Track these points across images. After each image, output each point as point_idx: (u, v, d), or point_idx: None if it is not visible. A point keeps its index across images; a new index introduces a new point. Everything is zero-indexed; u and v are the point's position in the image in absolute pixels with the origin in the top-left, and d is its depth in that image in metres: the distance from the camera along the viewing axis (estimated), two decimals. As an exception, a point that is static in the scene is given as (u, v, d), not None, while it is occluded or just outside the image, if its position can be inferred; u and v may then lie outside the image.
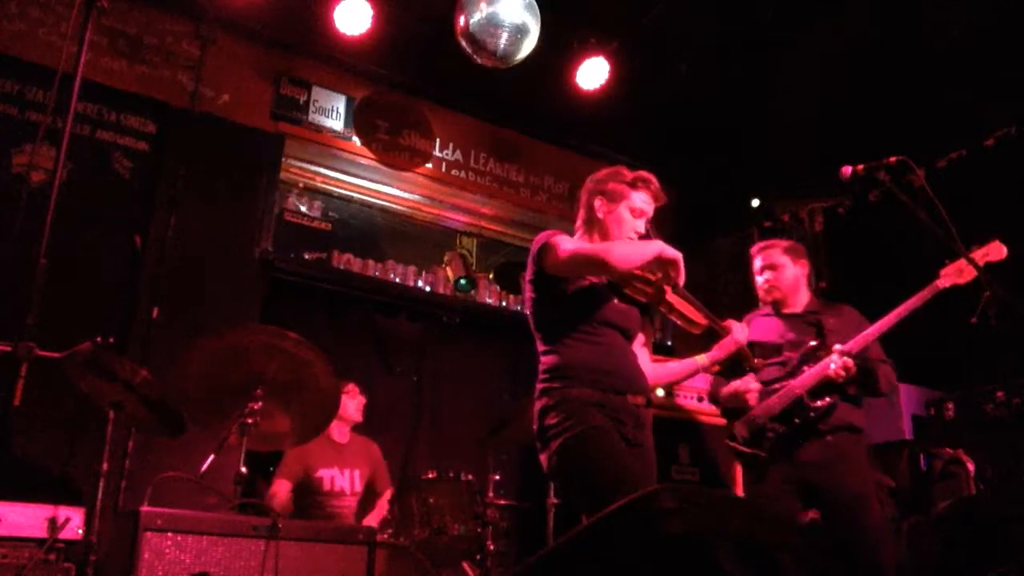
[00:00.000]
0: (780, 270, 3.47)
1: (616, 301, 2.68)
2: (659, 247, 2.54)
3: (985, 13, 4.32)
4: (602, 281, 2.68)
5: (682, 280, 2.54)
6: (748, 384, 3.29)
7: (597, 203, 2.77)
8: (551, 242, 2.58)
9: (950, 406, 4.26)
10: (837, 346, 3.19)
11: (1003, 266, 3.09)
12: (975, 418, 4.11)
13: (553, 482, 2.62)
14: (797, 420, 3.21)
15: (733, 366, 3.12)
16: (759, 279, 3.54)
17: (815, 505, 3.20)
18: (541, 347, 2.65)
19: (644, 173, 2.81)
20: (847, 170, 2.80)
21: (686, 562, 1.23)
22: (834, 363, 3.15)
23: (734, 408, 3.38)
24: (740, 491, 4.64)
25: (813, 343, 3.28)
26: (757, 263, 3.55)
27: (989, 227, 3.22)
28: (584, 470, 2.41)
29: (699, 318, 2.74)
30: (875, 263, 5.02)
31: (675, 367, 3.00)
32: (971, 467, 3.99)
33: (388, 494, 4.14)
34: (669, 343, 6.13)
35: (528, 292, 2.71)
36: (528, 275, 2.70)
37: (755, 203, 6.00)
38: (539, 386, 2.58)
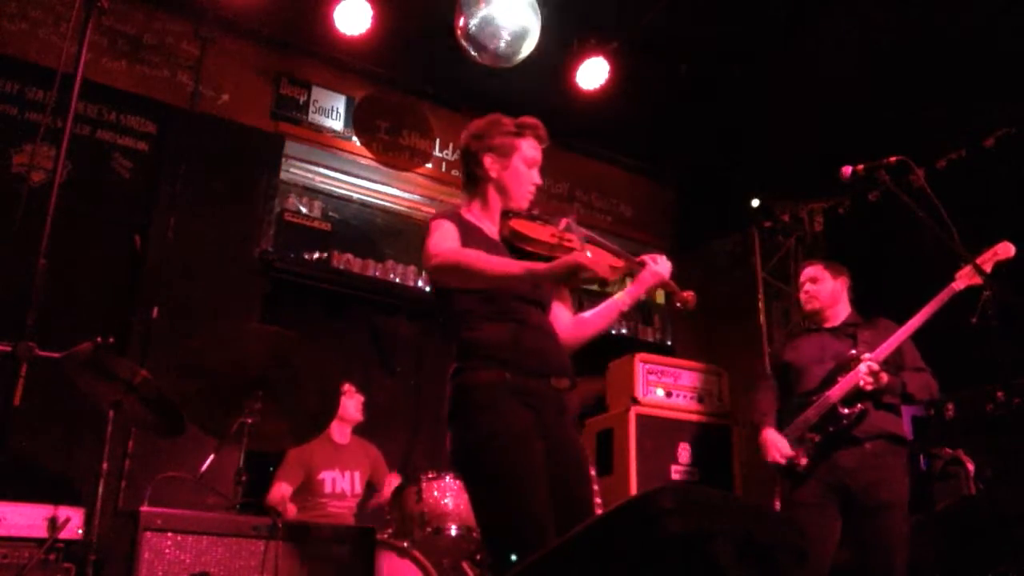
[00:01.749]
0: (819, 283, 3.64)
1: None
2: (546, 267, 2.16)
3: (985, 13, 4.32)
4: (502, 251, 2.38)
5: (606, 274, 2.20)
6: (783, 448, 3.37)
7: (487, 161, 2.43)
8: (428, 242, 2.30)
9: (950, 406, 4.26)
10: (865, 355, 3.29)
11: (1003, 266, 3.10)
12: (975, 418, 4.10)
13: (455, 469, 2.36)
14: (831, 428, 3.32)
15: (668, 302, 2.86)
16: (802, 291, 3.74)
17: (846, 509, 3.26)
18: (449, 327, 2.39)
19: (526, 118, 2.50)
20: (847, 170, 2.81)
21: (686, 562, 1.23)
22: (861, 371, 3.26)
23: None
24: (739, 491, 4.64)
25: (850, 353, 3.38)
26: (801, 278, 3.76)
27: (989, 227, 3.23)
28: (490, 477, 2.16)
29: (615, 262, 2.43)
30: (875, 263, 5.02)
31: (597, 311, 2.58)
32: (971, 467, 3.99)
33: (394, 479, 4.15)
34: (669, 343, 6.14)
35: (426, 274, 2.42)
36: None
37: (755, 203, 5.99)
38: (452, 369, 2.31)
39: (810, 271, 3.70)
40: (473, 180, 2.50)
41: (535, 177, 2.48)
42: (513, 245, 2.40)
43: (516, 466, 2.14)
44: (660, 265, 2.47)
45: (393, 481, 4.13)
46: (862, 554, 3.19)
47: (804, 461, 3.34)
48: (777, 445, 3.40)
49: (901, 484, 3.29)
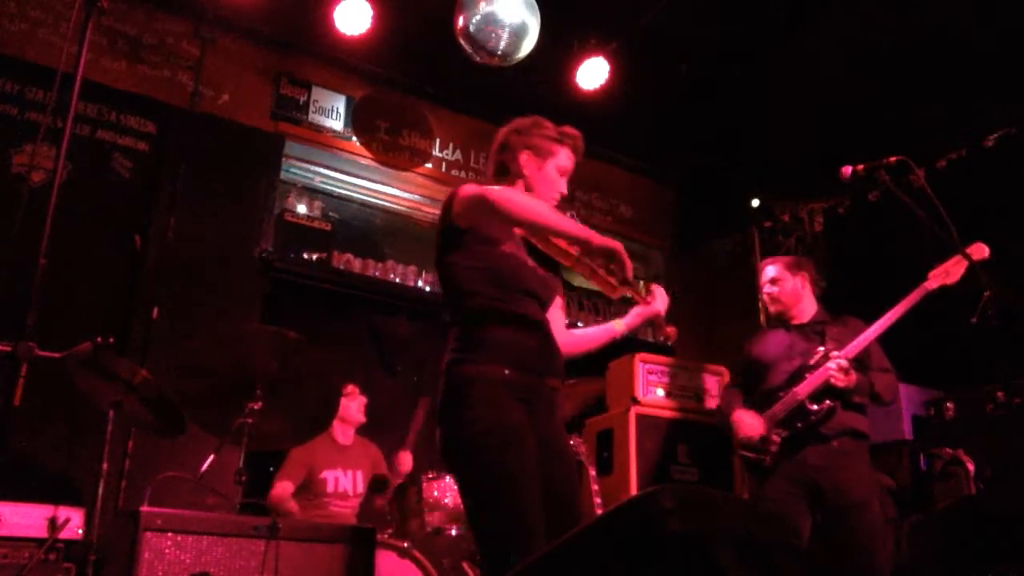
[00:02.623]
0: (779, 283, 3.62)
1: (535, 265, 2.43)
2: (586, 231, 2.17)
3: (985, 13, 4.32)
4: (518, 244, 2.43)
5: (630, 274, 2.20)
6: (755, 425, 3.40)
7: (523, 158, 2.47)
8: (460, 188, 2.31)
9: (950, 406, 4.26)
10: (834, 352, 3.28)
11: (1004, 266, 3.09)
12: (975, 418, 4.10)
13: (445, 463, 2.35)
14: (799, 424, 3.32)
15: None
16: (763, 293, 3.73)
17: (817, 507, 3.26)
18: (450, 316, 2.38)
19: (569, 128, 2.55)
20: (847, 170, 2.81)
21: (686, 562, 1.23)
22: (831, 368, 3.24)
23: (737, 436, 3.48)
24: (739, 491, 4.64)
25: (818, 350, 3.37)
26: (762, 278, 3.74)
27: (989, 227, 3.23)
28: (484, 474, 2.15)
29: (616, 283, 2.42)
30: (875, 263, 5.02)
31: (591, 333, 2.65)
32: (971, 467, 4.00)
33: (406, 456, 4.13)
34: (669, 343, 6.13)
35: (436, 254, 2.43)
36: (438, 229, 2.43)
37: (755, 203, 6.00)
38: (446, 359, 2.31)
39: (770, 271, 3.66)
40: (504, 172, 2.52)
41: (563, 186, 2.51)
42: (530, 241, 2.43)
43: (510, 464, 2.12)
44: (659, 301, 2.50)
45: (405, 459, 4.12)
46: (841, 555, 3.17)
47: (769, 460, 3.34)
48: (748, 421, 3.40)
49: (870, 480, 3.32)
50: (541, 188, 2.47)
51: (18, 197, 3.93)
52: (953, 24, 4.41)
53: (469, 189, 2.30)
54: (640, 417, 4.41)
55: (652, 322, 2.57)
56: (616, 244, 2.12)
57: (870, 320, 3.36)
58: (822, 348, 3.37)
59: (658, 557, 1.24)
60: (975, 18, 4.35)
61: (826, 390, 3.27)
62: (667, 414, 4.52)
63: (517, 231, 2.45)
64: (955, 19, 4.38)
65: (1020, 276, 3.09)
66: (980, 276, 2.74)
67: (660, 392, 4.57)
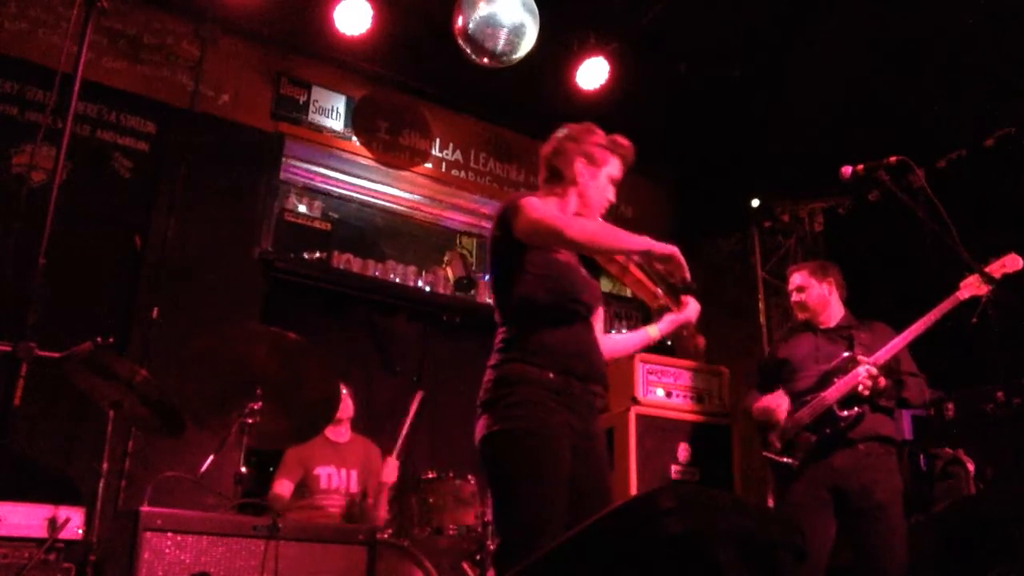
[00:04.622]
0: (806, 291, 3.63)
1: (583, 273, 2.50)
2: (648, 242, 2.29)
3: (985, 13, 4.32)
4: (571, 252, 2.50)
5: (687, 274, 2.33)
6: (779, 400, 3.42)
7: (578, 166, 2.53)
8: (525, 204, 2.35)
9: (950, 406, 4.26)
10: (863, 358, 3.29)
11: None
12: (975, 418, 4.10)
13: (481, 460, 2.42)
14: (828, 430, 3.32)
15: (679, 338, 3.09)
16: (791, 301, 3.75)
17: (842, 510, 3.27)
18: (500, 318, 2.44)
19: (620, 138, 2.61)
20: (847, 170, 2.81)
21: (686, 562, 1.23)
22: (860, 375, 3.25)
23: (767, 420, 3.48)
24: (739, 491, 4.64)
25: (844, 355, 3.38)
26: (789, 285, 3.76)
27: (989, 227, 3.23)
28: (515, 473, 2.21)
29: (659, 292, 2.59)
30: (875, 263, 5.02)
31: (627, 338, 2.76)
32: (971, 467, 4.00)
33: (391, 465, 4.11)
34: (669, 343, 6.13)
35: (491, 257, 2.48)
36: (491, 238, 2.47)
37: (755, 203, 6.00)
38: (495, 358, 2.37)
39: (796, 279, 3.69)
40: (557, 179, 2.57)
41: (611, 195, 2.59)
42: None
43: (542, 466, 2.18)
44: (690, 309, 2.60)
45: (391, 469, 4.08)
46: (861, 556, 3.20)
47: (796, 464, 3.33)
48: (776, 401, 3.41)
49: (895, 484, 3.30)
50: (593, 195, 2.54)
51: (18, 197, 3.93)
52: (953, 24, 4.41)
53: (536, 212, 2.35)
54: (640, 417, 4.41)
55: (683, 330, 2.67)
56: (674, 248, 2.27)
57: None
58: (847, 353, 3.37)
59: (658, 557, 1.24)
60: (975, 18, 4.34)
61: (854, 395, 3.27)
62: (667, 414, 4.52)
63: None
64: (955, 19, 4.38)
65: (1020, 277, 3.09)
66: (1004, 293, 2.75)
67: (660, 392, 4.57)
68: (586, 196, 2.53)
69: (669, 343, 6.08)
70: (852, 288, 3.70)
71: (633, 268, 2.51)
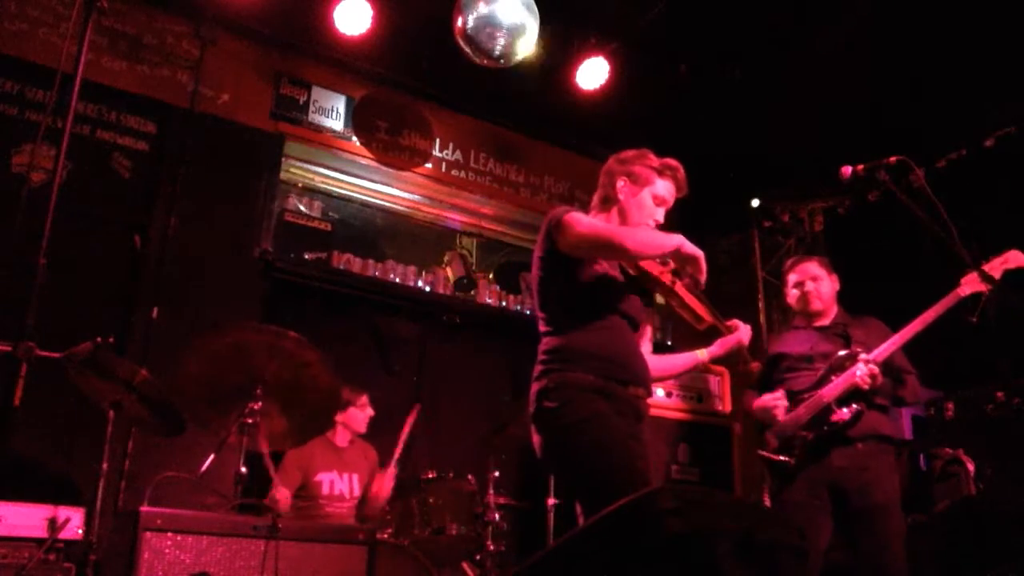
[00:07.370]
0: (819, 281, 3.58)
1: (627, 289, 2.60)
2: (679, 240, 2.41)
3: (985, 13, 4.32)
4: (615, 268, 2.61)
5: (704, 278, 2.43)
6: (777, 399, 3.40)
7: (620, 183, 2.65)
8: (567, 218, 2.45)
9: (950, 406, 4.26)
10: (863, 355, 3.26)
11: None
12: (975, 418, 4.11)
13: (549, 466, 2.54)
14: (826, 428, 3.29)
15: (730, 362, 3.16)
16: (796, 291, 3.63)
17: (840, 510, 3.25)
18: (544, 328, 2.55)
19: (672, 161, 2.72)
20: (847, 170, 2.81)
21: (686, 562, 1.23)
22: (859, 371, 3.22)
23: (766, 419, 3.46)
24: (739, 491, 4.65)
25: (841, 353, 3.35)
26: (793, 277, 3.65)
27: (989, 227, 3.22)
28: (587, 456, 2.33)
29: (705, 314, 2.66)
30: (875, 263, 5.02)
31: (676, 360, 2.90)
32: (971, 467, 4.00)
33: (386, 476, 4.09)
34: (669, 343, 6.13)
35: (536, 270, 2.57)
36: (538, 252, 2.56)
37: (755, 203, 6.00)
38: (539, 367, 2.48)
39: (810, 269, 3.60)
40: (606, 200, 2.70)
41: (659, 216, 2.67)
42: (625, 269, 2.62)
43: (609, 441, 2.32)
44: (743, 332, 2.74)
45: (386, 483, 4.07)
46: (860, 556, 3.18)
47: (793, 462, 3.32)
48: (774, 400, 3.39)
49: (892, 484, 3.27)
50: (634, 213, 2.64)
51: (18, 197, 3.92)
52: (953, 24, 4.41)
53: (582, 226, 2.45)
54: (640, 417, 4.40)
55: (735, 353, 2.78)
56: (701, 253, 2.40)
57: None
58: (844, 351, 3.34)
59: (658, 557, 1.24)
60: (975, 18, 4.34)
61: (852, 393, 3.24)
62: (668, 414, 4.52)
63: None
64: (955, 19, 4.38)
65: (1020, 276, 3.08)
66: (1004, 292, 2.74)
67: (660, 392, 4.57)
68: (627, 212, 2.64)
69: (670, 343, 6.11)
70: (852, 288, 3.69)
71: (680, 288, 2.58)
